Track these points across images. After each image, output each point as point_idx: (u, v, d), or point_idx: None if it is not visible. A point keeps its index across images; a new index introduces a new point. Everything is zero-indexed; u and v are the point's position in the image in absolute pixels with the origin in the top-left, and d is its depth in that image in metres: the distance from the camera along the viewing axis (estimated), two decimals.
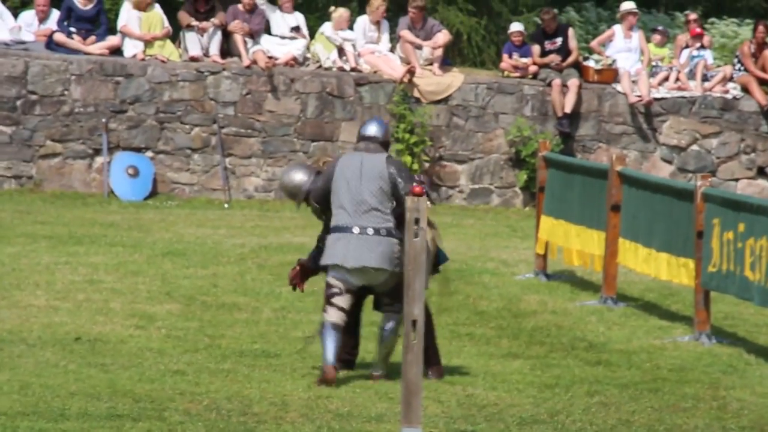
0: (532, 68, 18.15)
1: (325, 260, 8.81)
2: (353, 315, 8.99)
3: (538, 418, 7.97)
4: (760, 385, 9.12)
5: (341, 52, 17.66)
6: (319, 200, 8.91)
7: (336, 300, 8.78)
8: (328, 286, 8.82)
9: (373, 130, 8.96)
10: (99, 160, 17.11)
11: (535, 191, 15.00)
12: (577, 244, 12.28)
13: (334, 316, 8.78)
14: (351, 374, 8.94)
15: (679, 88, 18.34)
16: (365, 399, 8.28)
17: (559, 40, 18.15)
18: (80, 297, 11.00)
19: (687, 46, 18.52)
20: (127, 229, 14.57)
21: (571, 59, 18.08)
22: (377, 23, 17.92)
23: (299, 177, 9.04)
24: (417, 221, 7.35)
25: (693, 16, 19.03)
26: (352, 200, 8.75)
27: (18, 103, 17.00)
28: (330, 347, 8.70)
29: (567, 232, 12.46)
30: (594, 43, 18.66)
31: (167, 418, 7.59)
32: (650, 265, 11.18)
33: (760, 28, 18.45)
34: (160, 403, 7.89)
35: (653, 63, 18.46)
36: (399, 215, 8.61)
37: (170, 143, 17.33)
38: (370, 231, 8.73)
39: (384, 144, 8.96)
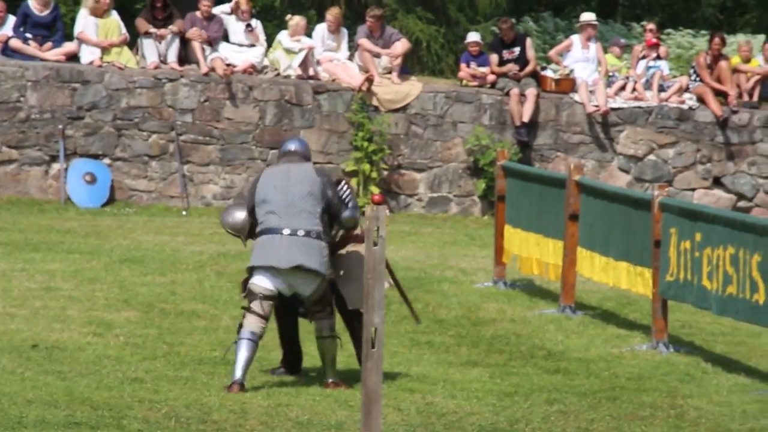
0: (490, 77, 18.21)
1: (254, 261, 8.69)
2: (292, 327, 8.95)
3: (497, 427, 7.99)
4: (717, 394, 9.18)
5: (304, 62, 17.63)
6: (248, 211, 8.85)
7: (256, 307, 8.68)
8: (251, 292, 8.69)
9: (294, 145, 9.01)
10: (56, 166, 17.01)
11: (493, 200, 15.05)
12: (536, 252, 12.33)
13: (254, 324, 8.66)
14: (310, 382, 8.92)
15: (636, 98, 18.45)
16: (325, 407, 8.27)
17: (517, 50, 18.22)
18: (37, 304, 10.92)
19: (643, 57, 18.65)
20: (85, 236, 14.49)
21: (528, 69, 18.16)
22: (335, 31, 17.92)
23: (240, 215, 8.98)
24: (377, 230, 7.36)
25: (650, 26, 19.17)
26: (282, 202, 8.68)
27: None
28: (242, 361, 8.59)
29: (525, 241, 12.50)
30: (552, 53, 18.75)
31: (126, 426, 7.55)
32: (609, 274, 11.24)
33: (716, 39, 18.60)
34: (118, 411, 7.85)
35: (610, 73, 18.57)
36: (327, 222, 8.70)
37: (128, 150, 17.25)
38: (301, 232, 8.66)
39: (306, 158, 8.97)
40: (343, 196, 8.85)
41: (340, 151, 17.61)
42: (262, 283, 8.70)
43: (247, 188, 8.93)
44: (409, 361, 9.74)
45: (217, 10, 17.79)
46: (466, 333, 10.82)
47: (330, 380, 8.80)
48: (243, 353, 8.60)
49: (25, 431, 7.28)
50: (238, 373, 8.58)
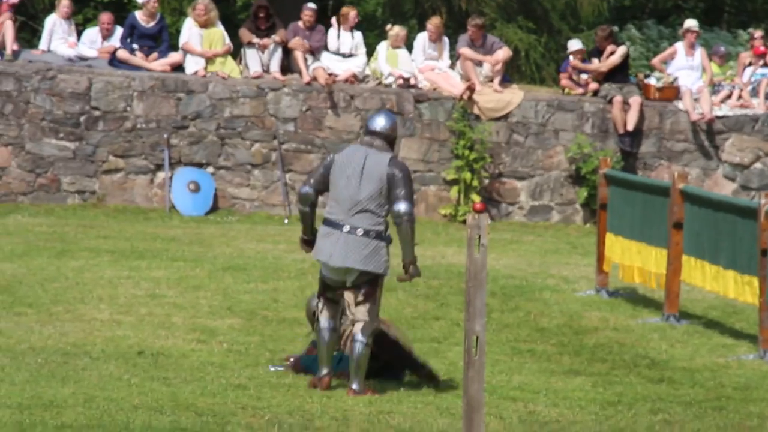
0: (593, 86, 18.08)
1: (315, 254, 8.84)
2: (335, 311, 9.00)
3: None
4: None
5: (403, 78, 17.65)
6: (319, 186, 8.82)
7: (330, 295, 8.82)
8: (321, 281, 8.86)
9: (380, 123, 8.73)
10: (161, 175, 17.24)
11: (595, 208, 14.93)
12: (638, 261, 12.20)
13: (327, 315, 8.81)
14: (412, 390, 8.92)
15: (742, 106, 18.19)
16: (426, 415, 8.26)
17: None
18: (143, 311, 11.07)
19: (750, 64, 18.38)
20: (189, 244, 14.66)
21: (607, 63, 17.82)
22: (436, 40, 17.94)
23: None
24: (479, 238, 7.34)
25: (757, 33, 18.88)
26: (348, 196, 8.66)
27: (81, 119, 17.17)
28: (325, 353, 8.75)
29: (628, 249, 12.39)
30: (655, 61, 18.56)
31: None
32: (718, 283, 11.09)
33: None
34: (222, 417, 7.91)
35: (715, 82, 18.34)
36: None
37: (231, 159, 17.42)
38: (360, 231, 8.64)
39: (390, 139, 8.77)
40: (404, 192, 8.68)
41: (441, 160, 17.60)
42: (324, 272, 8.81)
43: (321, 165, 8.78)
44: (510, 370, 9.70)
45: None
46: (568, 341, 10.75)
47: (353, 386, 8.70)
48: (323, 345, 8.69)
49: None
50: (325, 368, 8.65)
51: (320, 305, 8.85)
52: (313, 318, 9.07)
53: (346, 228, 8.64)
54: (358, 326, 8.74)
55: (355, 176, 8.64)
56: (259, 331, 10.64)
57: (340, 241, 8.64)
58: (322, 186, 8.81)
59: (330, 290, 8.82)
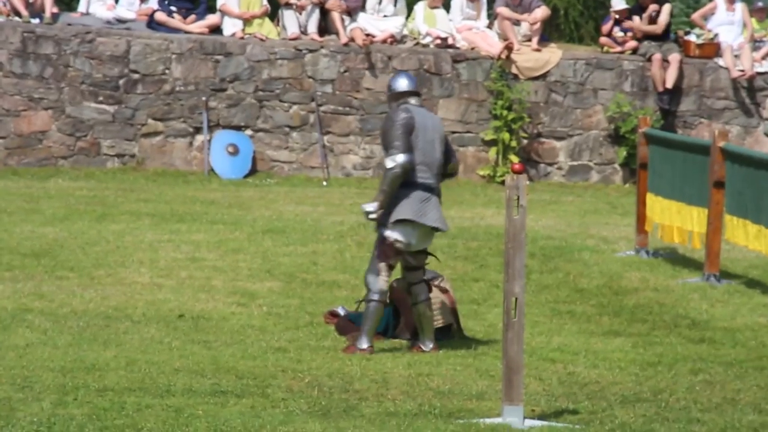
0: (631, 44, 17.95)
1: (406, 214, 8.66)
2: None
3: (641, 397, 7.92)
4: None
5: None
6: (410, 151, 8.70)
7: (392, 262, 8.78)
8: (391, 245, 8.70)
9: (413, 84, 8.90)
10: (199, 138, 17.29)
11: (635, 168, 14.86)
12: (678, 221, 12.14)
13: (383, 282, 8.77)
14: (451, 352, 8.94)
15: None
16: (466, 377, 8.28)
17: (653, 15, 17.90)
18: (183, 274, 11.13)
19: None
20: (228, 207, 14.71)
21: (652, 28, 17.70)
22: (474, 0, 17.85)
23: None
24: (518, 199, 7.34)
25: None
26: (435, 162, 8.78)
27: (120, 82, 17.23)
28: (373, 325, 8.76)
29: (667, 209, 12.33)
30: (695, 16, 18.40)
31: (270, 394, 7.66)
32: (761, 242, 11.02)
33: None
34: (262, 380, 7.97)
35: (756, 38, 18.16)
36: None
37: (269, 121, 17.44)
38: (438, 191, 8.82)
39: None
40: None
41: (479, 120, 17.55)
42: (403, 238, 8.73)
43: (395, 127, 8.69)
44: (550, 331, 9.70)
45: None
46: (607, 302, 10.73)
47: (429, 345, 8.83)
48: (376, 317, 8.78)
49: (174, 399, 7.44)
50: (370, 339, 8.76)
51: (384, 273, 8.77)
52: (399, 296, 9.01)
53: (437, 191, 8.78)
54: (423, 287, 8.86)
55: (437, 140, 8.80)
56: (298, 293, 10.68)
57: (437, 205, 8.75)
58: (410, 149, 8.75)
59: (394, 257, 8.78)
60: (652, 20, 17.85)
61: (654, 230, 12.71)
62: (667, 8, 18.06)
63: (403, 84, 8.90)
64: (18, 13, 17.33)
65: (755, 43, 18.12)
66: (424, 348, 8.89)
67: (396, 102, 8.87)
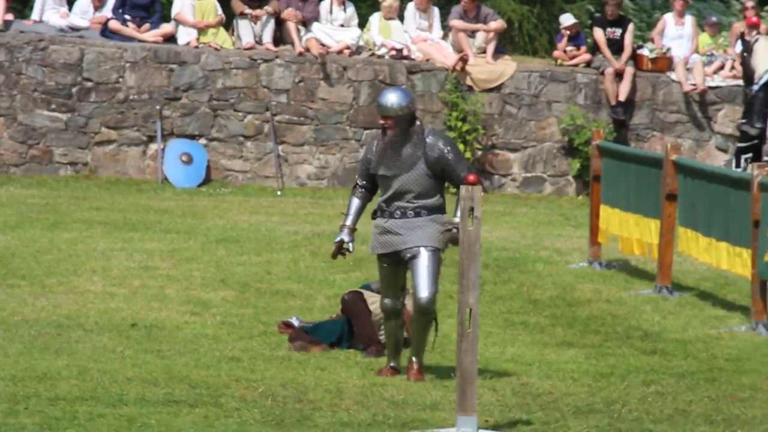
0: (585, 57, 18.06)
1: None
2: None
3: (594, 408, 7.95)
4: None
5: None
6: None
7: None
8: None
9: None
10: (153, 147, 17.22)
11: (588, 180, 14.94)
12: (636, 233, 12.22)
13: None
14: (405, 363, 8.94)
15: (735, 77, 18.19)
16: (420, 387, 8.28)
17: (618, 31, 18.05)
18: (136, 283, 11.07)
19: (743, 35, 18.36)
20: (182, 216, 14.65)
21: (624, 56, 17.94)
22: (426, 11, 17.89)
23: None
24: (471, 210, 7.36)
25: (750, 3, 18.85)
26: None
27: (73, 90, 17.13)
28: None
29: (625, 221, 12.40)
30: (654, 34, 18.50)
31: (223, 404, 7.63)
32: (711, 255, 11.11)
33: None
34: (216, 390, 7.94)
35: (708, 53, 18.31)
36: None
37: (223, 130, 17.40)
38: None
39: None
40: None
41: None
42: None
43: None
44: (503, 342, 9.73)
45: None
46: (561, 313, 10.77)
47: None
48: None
49: (126, 408, 7.40)
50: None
51: None
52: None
53: None
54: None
55: None
56: (252, 303, 10.65)
57: None
58: None
59: None
60: (618, 41, 17.97)
61: (611, 242, 12.77)
62: (631, 28, 18.17)
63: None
64: None
65: (708, 58, 18.28)
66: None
67: (414, 120, 8.43)
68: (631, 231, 12.32)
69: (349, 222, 8.53)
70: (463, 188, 7.41)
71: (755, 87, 17.29)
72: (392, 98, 8.37)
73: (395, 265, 8.42)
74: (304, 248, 12.99)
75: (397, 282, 8.50)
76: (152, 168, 17.19)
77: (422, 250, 8.31)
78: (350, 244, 8.52)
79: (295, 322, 9.57)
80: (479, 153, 17.70)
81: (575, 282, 12.00)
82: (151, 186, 16.84)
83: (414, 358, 8.49)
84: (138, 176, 17.11)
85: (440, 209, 8.46)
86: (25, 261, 11.68)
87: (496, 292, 11.43)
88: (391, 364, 8.62)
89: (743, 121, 17.47)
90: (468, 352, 7.21)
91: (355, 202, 8.54)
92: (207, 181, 17.18)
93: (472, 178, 7.91)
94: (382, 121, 8.42)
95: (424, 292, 8.31)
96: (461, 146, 17.42)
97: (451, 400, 7.56)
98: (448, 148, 8.36)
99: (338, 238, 8.52)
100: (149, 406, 7.44)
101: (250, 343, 9.32)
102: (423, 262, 8.30)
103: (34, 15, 17.63)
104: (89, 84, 17.14)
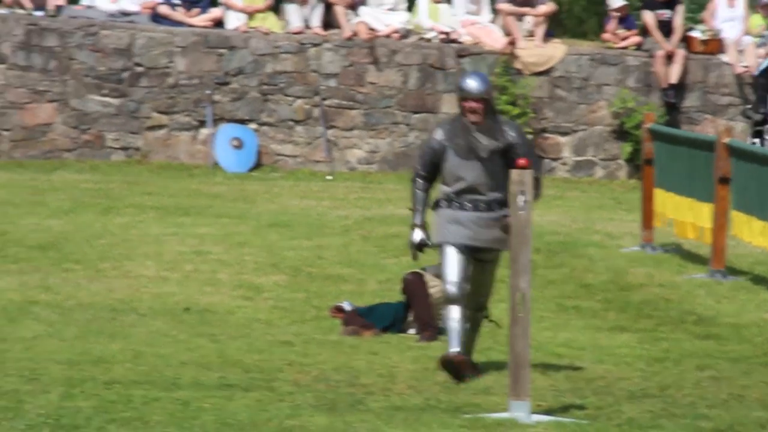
0: (635, 39, 17.95)
1: None
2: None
3: (647, 392, 7.91)
4: None
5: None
6: None
7: None
8: None
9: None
10: (204, 131, 17.28)
11: (639, 163, 14.85)
12: (690, 216, 12.14)
13: None
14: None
15: None
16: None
17: (668, 13, 17.91)
18: (188, 268, 11.13)
19: None
20: (233, 201, 14.71)
21: (675, 38, 17.79)
22: None
23: None
24: (523, 194, 7.33)
25: None
26: None
27: (124, 75, 17.22)
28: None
29: (679, 205, 12.32)
30: (705, 15, 18.34)
31: (277, 388, 7.66)
32: (766, 238, 11.02)
33: None
34: (269, 374, 7.96)
35: (760, 34, 18.13)
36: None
37: (273, 115, 17.44)
38: None
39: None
40: None
41: None
42: None
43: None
44: (556, 326, 9.70)
45: None
46: (613, 298, 10.73)
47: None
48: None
49: (181, 392, 7.44)
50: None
51: None
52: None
53: None
54: None
55: None
56: (304, 287, 10.68)
57: None
58: None
59: None
60: (667, 22, 17.83)
61: (667, 226, 12.66)
62: (681, 10, 18.02)
63: None
64: (21, 6, 17.32)
65: (761, 39, 18.11)
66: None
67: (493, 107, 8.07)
68: (685, 215, 12.23)
69: (418, 220, 8.10)
70: (513, 172, 7.36)
71: (755, 73, 17.24)
72: (481, 80, 7.97)
73: (463, 254, 8.02)
74: (354, 233, 13.00)
75: (465, 268, 8.05)
76: (203, 153, 17.26)
77: (491, 258, 8.08)
78: (428, 241, 8.10)
79: (347, 307, 9.59)
80: (530, 137, 17.64)
81: (628, 266, 11.94)
82: (202, 171, 16.91)
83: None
84: (189, 161, 17.19)
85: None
86: (79, 246, 11.77)
87: (547, 276, 11.40)
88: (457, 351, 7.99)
89: (749, 107, 17.39)
90: (520, 337, 7.19)
91: (420, 196, 8.09)
92: (258, 165, 17.23)
93: (522, 161, 7.71)
94: (469, 104, 7.91)
95: (484, 296, 8.26)
96: None
97: (504, 384, 7.55)
98: (522, 140, 8.03)
99: (418, 239, 8.08)
100: (204, 390, 7.48)
101: (303, 328, 9.35)
102: (489, 269, 8.14)
103: (85, 0, 17.74)
104: (140, 69, 17.22)
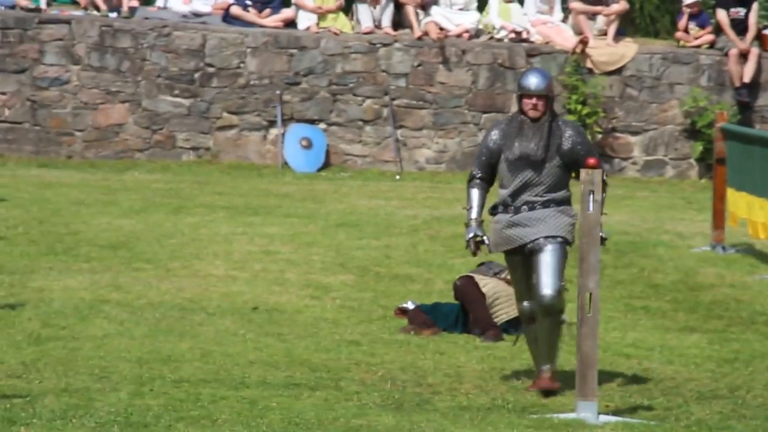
0: (709, 37, 17.78)
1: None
2: None
3: (717, 393, 7.84)
4: None
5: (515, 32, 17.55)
6: None
7: None
8: None
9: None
10: (273, 131, 17.37)
11: (711, 163, 14.71)
12: (762, 216, 12.00)
13: None
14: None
15: None
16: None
17: (742, 11, 17.72)
18: (257, 267, 11.20)
19: None
20: (302, 200, 14.77)
21: (749, 36, 17.61)
22: None
23: None
24: (593, 193, 7.30)
25: None
26: None
27: (196, 75, 17.35)
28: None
29: (751, 205, 12.19)
30: None
31: (343, 387, 7.68)
32: None
33: None
34: (336, 373, 7.99)
35: None
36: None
37: (343, 115, 17.48)
38: None
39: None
40: None
41: None
42: None
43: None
44: (624, 327, 9.64)
45: None
46: (683, 298, 10.64)
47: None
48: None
49: (248, 391, 7.49)
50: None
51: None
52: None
53: None
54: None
55: None
56: (371, 287, 10.70)
57: None
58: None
59: None
60: (742, 21, 17.65)
61: (740, 226, 12.53)
62: (755, 8, 17.84)
63: None
64: (96, 7, 17.53)
65: None
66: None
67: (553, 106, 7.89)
68: (757, 215, 12.10)
69: (474, 215, 7.88)
70: (583, 172, 7.31)
71: None
72: (542, 77, 7.75)
73: (525, 263, 7.81)
74: (422, 232, 13.00)
75: (532, 280, 7.81)
76: (273, 153, 17.35)
77: (546, 243, 7.72)
78: (484, 237, 7.85)
79: (411, 306, 9.60)
80: (599, 136, 17.53)
81: (698, 266, 11.84)
82: (271, 170, 17.00)
83: (544, 367, 7.81)
84: (259, 161, 17.29)
85: (568, 202, 7.85)
86: (150, 245, 11.88)
87: (616, 276, 11.33)
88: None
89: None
90: (588, 337, 7.16)
91: (476, 193, 7.90)
92: (326, 165, 17.28)
93: (592, 161, 7.60)
94: (529, 100, 7.73)
95: (546, 289, 7.71)
96: None
97: (572, 384, 7.52)
98: (580, 139, 7.82)
99: (471, 234, 7.85)
100: (271, 389, 7.53)
101: (370, 327, 9.37)
102: (546, 257, 7.71)
103: (158, 2, 17.91)
104: (211, 69, 17.35)
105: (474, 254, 7.98)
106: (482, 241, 7.91)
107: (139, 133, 17.33)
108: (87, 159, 17.11)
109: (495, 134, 7.87)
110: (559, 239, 7.78)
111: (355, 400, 7.41)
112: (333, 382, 7.78)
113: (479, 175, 7.93)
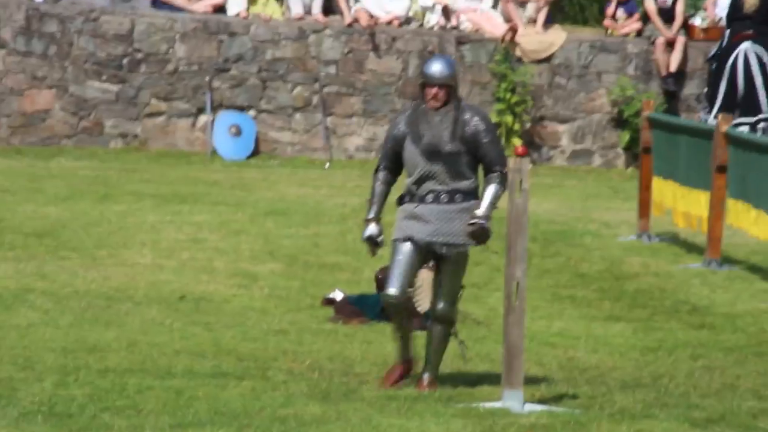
0: (636, 26, 17.92)
1: None
2: None
3: (640, 382, 7.93)
4: None
5: (445, 11, 17.59)
6: None
7: None
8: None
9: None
10: (202, 118, 17.28)
11: (637, 152, 14.85)
12: (683, 205, 12.15)
13: None
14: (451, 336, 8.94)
15: None
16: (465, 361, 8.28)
17: (669, 0, 17.87)
18: (184, 256, 11.15)
19: None
20: (230, 188, 14.72)
21: (675, 25, 17.77)
22: None
23: None
24: (520, 182, 7.34)
25: None
26: None
27: (124, 61, 17.21)
28: None
29: (676, 194, 12.33)
30: (707, 3, 18.32)
31: (271, 377, 7.68)
32: (760, 228, 11.04)
33: None
34: (263, 362, 7.99)
35: None
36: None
37: (272, 102, 17.43)
38: None
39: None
40: None
41: (482, 103, 17.53)
42: None
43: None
44: (550, 316, 9.73)
45: None
46: (608, 287, 10.74)
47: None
48: None
49: (175, 381, 7.46)
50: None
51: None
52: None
53: None
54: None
55: None
56: (300, 276, 10.70)
57: None
58: None
59: None
60: (669, 10, 17.79)
61: (665, 215, 12.66)
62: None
63: None
64: None
65: None
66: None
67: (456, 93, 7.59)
68: (679, 203, 12.24)
69: (372, 214, 7.69)
70: (511, 160, 7.31)
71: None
72: (442, 65, 7.53)
73: (416, 254, 7.57)
74: (351, 221, 13.00)
75: (412, 272, 7.63)
76: (201, 140, 17.26)
77: (455, 253, 7.54)
78: (380, 238, 7.66)
79: (338, 296, 9.60)
80: (528, 125, 17.63)
81: (623, 255, 11.95)
82: (200, 158, 16.92)
83: (426, 375, 7.65)
84: (187, 148, 17.19)
85: (475, 193, 7.62)
86: (76, 233, 11.79)
87: (543, 265, 11.41)
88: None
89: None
90: (515, 326, 7.20)
91: (379, 189, 7.66)
92: (256, 153, 17.22)
93: (521, 150, 7.61)
94: (431, 89, 7.49)
95: (446, 298, 7.60)
96: (509, 118, 17.36)
97: (498, 374, 7.57)
98: (484, 126, 7.54)
99: (367, 234, 7.69)
100: (197, 379, 7.50)
101: (298, 316, 9.37)
102: (451, 267, 7.54)
103: None
104: (140, 55, 17.21)
105: (372, 254, 7.81)
106: (377, 243, 7.73)
107: (66, 119, 17.17)
108: (12, 145, 16.92)
109: (400, 123, 7.63)
110: (465, 248, 7.63)
111: (282, 390, 7.40)
112: (260, 372, 7.77)
113: (384, 164, 7.66)
